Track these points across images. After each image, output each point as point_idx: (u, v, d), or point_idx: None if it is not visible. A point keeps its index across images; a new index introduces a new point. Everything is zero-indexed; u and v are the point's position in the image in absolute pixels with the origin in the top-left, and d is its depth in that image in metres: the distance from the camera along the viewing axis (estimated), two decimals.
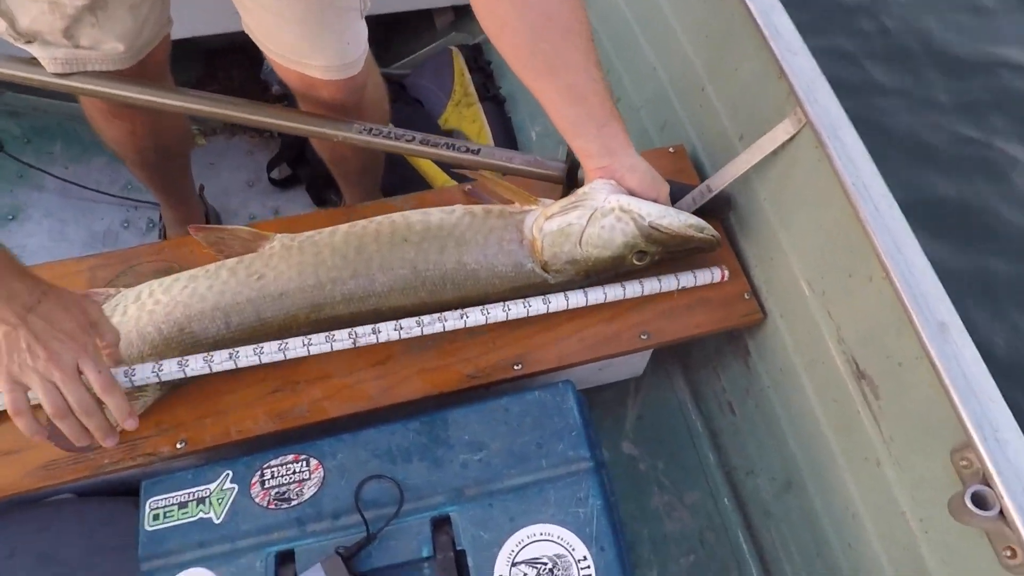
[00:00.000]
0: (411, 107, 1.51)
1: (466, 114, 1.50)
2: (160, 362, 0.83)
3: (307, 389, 0.92)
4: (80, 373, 0.72)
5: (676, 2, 1.15)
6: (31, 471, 0.87)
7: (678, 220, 0.88)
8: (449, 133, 1.49)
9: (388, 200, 1.07)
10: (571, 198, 0.89)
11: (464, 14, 1.73)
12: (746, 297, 1.00)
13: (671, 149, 1.12)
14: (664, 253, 0.90)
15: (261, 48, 1.01)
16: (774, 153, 0.91)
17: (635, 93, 1.31)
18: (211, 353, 0.84)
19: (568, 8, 0.80)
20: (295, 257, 0.90)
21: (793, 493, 0.99)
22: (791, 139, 0.88)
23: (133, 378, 0.81)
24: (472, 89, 1.52)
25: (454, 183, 1.38)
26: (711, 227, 0.90)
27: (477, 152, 0.98)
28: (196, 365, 0.83)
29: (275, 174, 1.58)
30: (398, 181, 1.38)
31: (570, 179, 1.00)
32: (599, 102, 0.84)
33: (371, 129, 0.98)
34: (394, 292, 0.88)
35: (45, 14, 0.86)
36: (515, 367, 0.93)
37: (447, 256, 0.89)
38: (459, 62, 1.57)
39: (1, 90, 1.56)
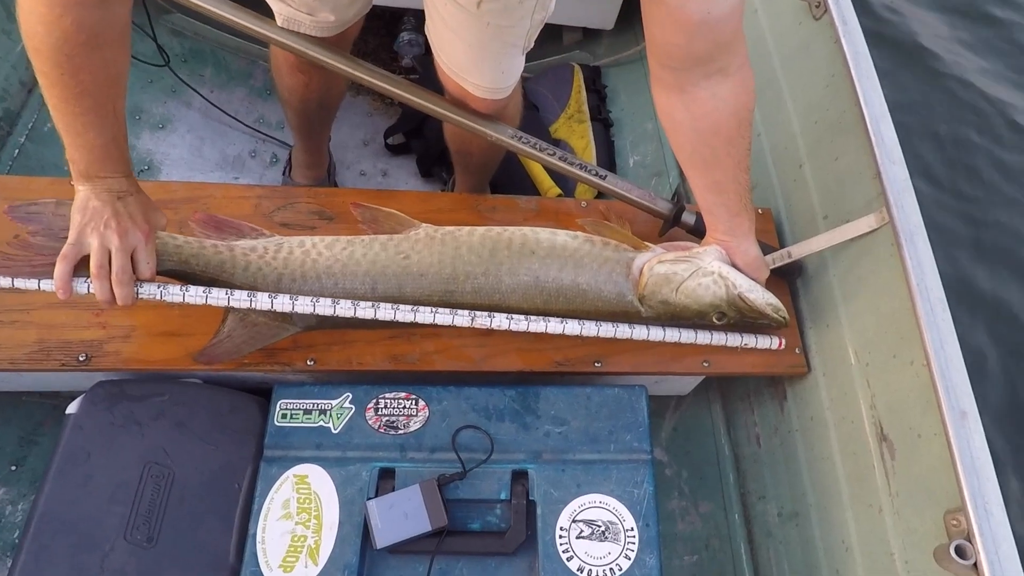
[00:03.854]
0: (527, 111, 1.67)
1: (576, 129, 1.65)
2: (298, 297, 0.96)
3: (420, 342, 1.09)
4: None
5: (796, 82, 1.30)
6: (190, 353, 1.05)
7: (762, 298, 1.03)
8: (556, 143, 1.64)
9: (514, 197, 1.24)
10: (685, 253, 1.04)
11: (591, 36, 1.88)
12: (796, 352, 1.16)
13: (760, 210, 1.28)
14: (739, 319, 1.05)
15: (434, 52, 1.16)
16: (852, 239, 1.08)
17: None
18: (344, 301, 0.97)
19: (735, 123, 0.94)
20: (437, 247, 1.04)
21: (796, 522, 1.16)
22: (871, 232, 1.04)
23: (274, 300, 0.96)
24: (586, 108, 1.67)
25: (559, 190, 1.54)
26: (785, 310, 1.05)
27: (604, 177, 1.15)
28: (326, 305, 0.97)
29: (391, 140, 1.74)
30: (506, 178, 1.54)
31: (675, 220, 1.16)
32: (736, 198, 1.00)
33: (520, 137, 1.14)
34: (515, 294, 1.03)
35: None
36: (596, 364, 1.10)
37: (565, 274, 1.03)
38: (579, 79, 1.72)
39: (171, 10, 1.72)
